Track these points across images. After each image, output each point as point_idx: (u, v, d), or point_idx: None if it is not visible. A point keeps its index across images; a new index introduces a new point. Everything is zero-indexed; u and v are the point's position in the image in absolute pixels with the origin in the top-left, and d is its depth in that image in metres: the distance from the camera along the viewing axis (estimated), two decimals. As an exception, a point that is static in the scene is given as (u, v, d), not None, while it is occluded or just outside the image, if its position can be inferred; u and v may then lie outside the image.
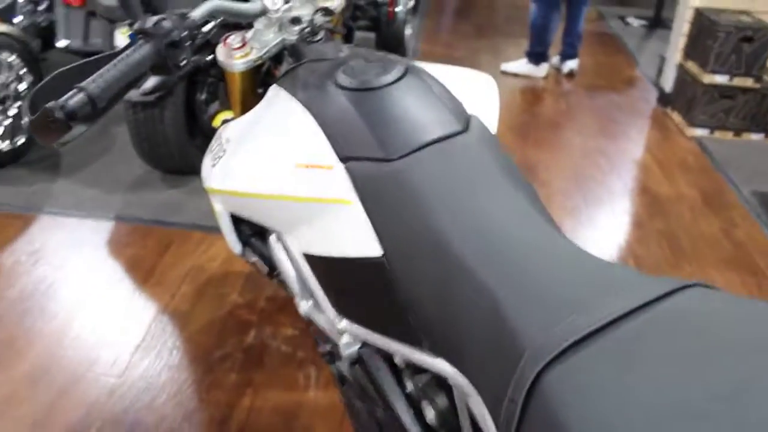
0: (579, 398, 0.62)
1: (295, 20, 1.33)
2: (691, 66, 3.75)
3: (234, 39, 1.31)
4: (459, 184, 0.91)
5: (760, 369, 0.60)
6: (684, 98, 3.83)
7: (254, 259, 1.43)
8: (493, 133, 1.07)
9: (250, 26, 1.36)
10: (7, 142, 3.17)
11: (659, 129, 3.84)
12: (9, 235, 2.68)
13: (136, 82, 1.10)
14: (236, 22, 1.31)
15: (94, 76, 0.97)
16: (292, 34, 1.32)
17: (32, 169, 3.19)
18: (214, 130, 1.39)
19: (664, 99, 4.11)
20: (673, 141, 3.69)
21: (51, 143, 0.98)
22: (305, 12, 1.34)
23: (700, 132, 3.74)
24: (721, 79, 3.58)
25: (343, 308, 1.09)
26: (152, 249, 2.61)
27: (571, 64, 4.55)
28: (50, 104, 0.91)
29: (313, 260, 1.10)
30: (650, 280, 0.74)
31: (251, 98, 1.38)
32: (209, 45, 1.37)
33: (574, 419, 0.61)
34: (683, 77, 3.86)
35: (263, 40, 1.33)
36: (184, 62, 1.15)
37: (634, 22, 5.93)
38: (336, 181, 1.00)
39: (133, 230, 2.73)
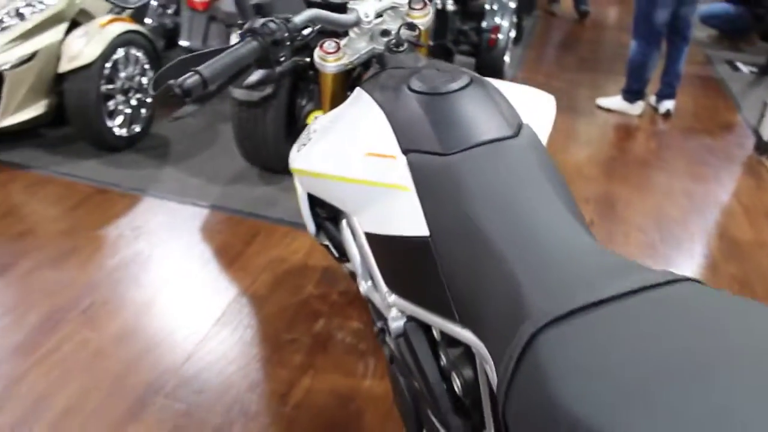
0: (565, 357, 0.72)
1: (385, 32, 1.49)
2: (792, 116, 3.68)
3: (329, 44, 1.48)
4: (500, 180, 1.03)
5: (730, 352, 0.68)
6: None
7: (326, 242, 1.59)
8: (543, 141, 1.18)
9: (345, 34, 1.53)
10: (125, 129, 3.50)
11: (751, 176, 3.78)
12: (116, 212, 2.96)
13: (242, 72, 1.29)
14: (333, 30, 1.48)
15: (208, 62, 1.16)
16: (380, 44, 1.48)
17: (144, 156, 3.50)
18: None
19: (761, 147, 4.03)
20: (764, 189, 3.62)
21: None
22: (394, 26, 1.49)
23: (795, 183, 3.65)
24: (822, 130, 3.49)
25: (393, 284, 1.22)
26: (241, 237, 2.82)
27: (668, 105, 4.52)
28: (171, 82, 1.10)
29: (372, 239, 1.24)
30: (652, 271, 0.83)
31: (340, 98, 1.54)
32: (308, 48, 1.56)
33: (558, 373, 0.71)
34: (784, 126, 3.79)
35: (355, 47, 1.49)
36: (284, 59, 1.33)
37: (744, 68, 5.80)
38: (397, 170, 1.14)
39: (226, 219, 2.96)
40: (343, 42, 1.50)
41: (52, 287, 2.45)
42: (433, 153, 1.11)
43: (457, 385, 1.10)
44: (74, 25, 3.38)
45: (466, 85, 1.19)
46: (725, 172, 3.82)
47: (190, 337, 2.25)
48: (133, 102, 3.53)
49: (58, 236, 2.76)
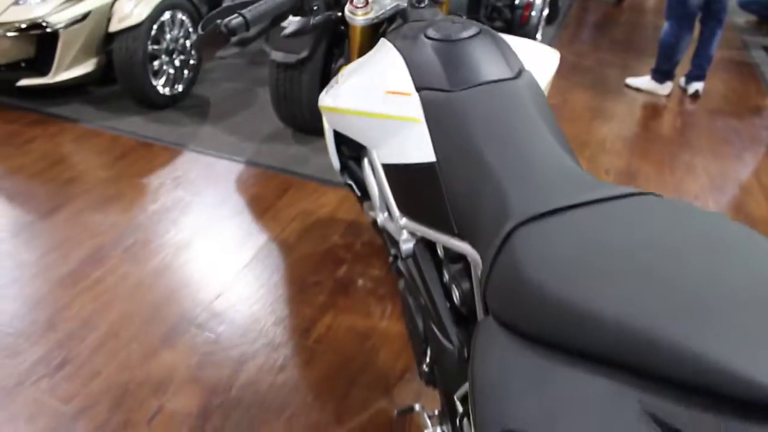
0: (536, 246, 0.87)
1: None
2: (818, 98, 3.72)
3: (359, 0, 1.63)
4: (498, 114, 1.17)
5: (679, 242, 0.82)
6: (806, 130, 3.80)
7: (350, 182, 1.75)
8: (542, 86, 1.32)
9: None
10: (168, 88, 3.69)
11: (774, 157, 3.83)
12: (158, 163, 3.16)
13: (280, 18, 1.46)
14: None
15: (251, 7, 1.33)
16: (404, 1, 1.62)
17: (185, 113, 3.69)
18: None
19: (787, 130, 4.08)
20: (786, 170, 3.68)
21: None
22: (417, -16, 1.63)
23: (817, 165, 3.70)
24: None
25: (404, 207, 1.38)
26: (273, 191, 3.00)
27: (697, 86, 4.57)
28: (218, 21, 1.27)
29: (388, 169, 1.39)
30: (622, 187, 0.97)
31: (367, 50, 1.69)
32: (339, 4, 1.71)
33: (529, 258, 0.86)
34: (809, 109, 3.83)
35: (382, 3, 1.64)
36: (317, 8, 1.49)
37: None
38: (411, 105, 1.29)
39: (260, 174, 3.14)
40: None
41: (98, 227, 2.65)
42: (442, 90, 1.25)
43: (456, 296, 1.26)
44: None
45: (475, 34, 1.33)
46: (748, 152, 3.88)
47: (222, 276, 2.43)
48: (177, 63, 3.71)
49: (104, 183, 2.97)
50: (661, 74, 4.53)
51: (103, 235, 2.61)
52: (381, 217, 1.57)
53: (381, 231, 1.95)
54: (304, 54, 3.10)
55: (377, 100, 1.37)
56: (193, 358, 2.06)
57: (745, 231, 0.83)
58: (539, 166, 1.07)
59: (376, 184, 1.55)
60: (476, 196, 1.11)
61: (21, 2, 3.28)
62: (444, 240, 1.24)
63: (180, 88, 3.77)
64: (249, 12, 1.33)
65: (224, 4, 1.47)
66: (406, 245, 1.41)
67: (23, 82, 3.43)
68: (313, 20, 1.63)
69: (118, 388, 1.94)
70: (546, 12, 4.96)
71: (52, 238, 2.57)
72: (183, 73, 3.79)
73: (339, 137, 1.70)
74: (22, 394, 1.90)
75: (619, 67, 5.15)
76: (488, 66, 1.27)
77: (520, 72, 1.30)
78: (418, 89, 1.29)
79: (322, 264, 2.54)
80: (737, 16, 7.01)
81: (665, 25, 4.41)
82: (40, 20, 3.29)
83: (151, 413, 1.87)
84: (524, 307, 0.84)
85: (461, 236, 1.17)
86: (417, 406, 1.53)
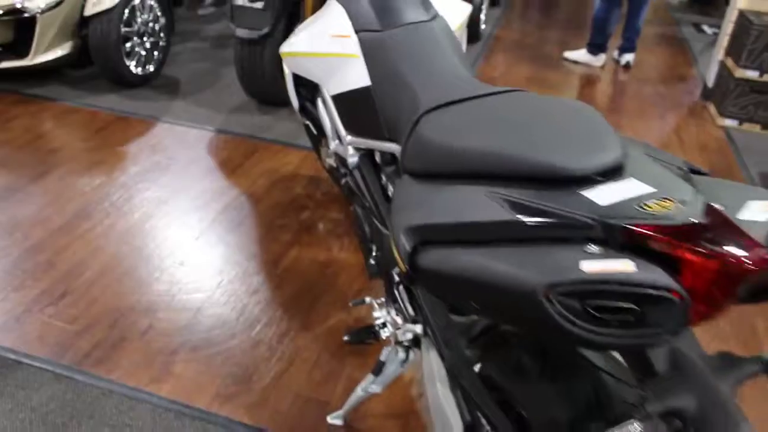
0: (434, 121, 1.24)
1: None
2: (729, 62, 4.17)
3: None
4: (416, 47, 1.54)
5: (534, 112, 1.19)
6: (720, 91, 4.25)
7: (307, 122, 2.11)
8: (453, 29, 1.69)
9: None
10: (140, 68, 3.99)
11: (693, 117, 4.27)
12: (135, 133, 3.47)
13: None
14: None
15: None
16: None
17: (157, 91, 3.99)
18: None
19: (705, 93, 4.53)
20: (702, 128, 4.12)
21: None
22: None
23: (729, 122, 4.14)
24: (752, 74, 3.98)
25: (349, 126, 1.74)
26: (241, 153, 3.33)
27: (628, 57, 5.00)
28: None
29: (336, 99, 1.75)
30: (500, 87, 1.34)
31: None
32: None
33: (428, 126, 1.22)
34: (722, 73, 4.28)
35: None
36: None
37: (709, 30, 6.26)
38: (351, 44, 1.64)
39: (229, 140, 3.47)
40: None
41: (84, 187, 2.96)
42: (374, 30, 1.61)
43: (390, 191, 1.62)
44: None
45: None
46: (671, 113, 4.31)
47: (199, 223, 2.76)
48: (148, 45, 4.02)
49: (86, 151, 3.27)
50: (595, 47, 4.95)
51: (90, 194, 2.92)
52: (333, 145, 1.93)
53: (334, 172, 2.31)
54: (265, 30, 3.43)
55: (325, 42, 1.73)
56: (176, 287, 2.39)
57: (574, 103, 1.20)
58: (444, 79, 1.44)
59: (328, 116, 1.91)
60: (399, 106, 1.47)
61: (0, -10, 3.55)
62: (378, 145, 1.60)
63: (151, 68, 4.07)
64: None
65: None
66: (352, 159, 1.77)
67: (3, 64, 3.70)
68: None
69: (114, 312, 2.27)
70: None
71: (44, 197, 2.87)
72: (153, 54, 4.09)
73: (297, 81, 2.05)
74: (31, 318, 2.21)
75: (559, 43, 5.57)
76: (410, 12, 1.64)
77: (435, 17, 1.67)
78: (356, 31, 1.65)
79: (287, 210, 2.88)
80: (672, -3, 7.50)
81: (597, 2, 4.83)
82: (19, 5, 3.56)
83: (144, 329, 2.20)
84: (424, 156, 1.20)
85: (390, 139, 1.53)
86: (367, 299, 1.89)
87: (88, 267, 2.47)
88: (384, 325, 1.69)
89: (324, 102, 1.93)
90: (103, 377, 2.00)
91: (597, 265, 0.82)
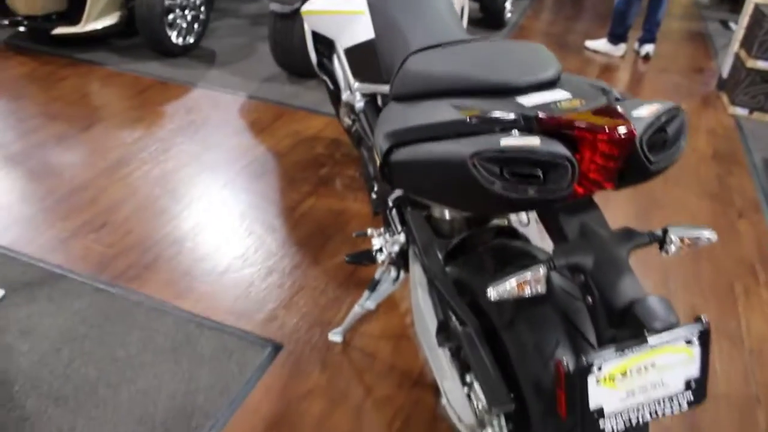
0: (417, 59, 1.48)
1: None
2: (742, 53, 4.32)
3: None
4: (413, 6, 1.78)
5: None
6: (732, 81, 4.40)
7: (324, 77, 2.36)
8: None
9: None
10: (181, 38, 4.29)
11: (705, 105, 4.42)
12: (173, 96, 3.76)
13: None
14: None
15: None
16: None
17: (195, 60, 4.29)
18: None
19: (720, 83, 4.67)
20: (712, 115, 4.28)
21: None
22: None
23: (740, 111, 4.29)
24: (762, 64, 4.12)
25: (357, 75, 1.98)
26: (269, 116, 3.60)
27: (648, 48, 5.16)
28: None
29: (347, 51, 2.00)
30: (477, 36, 1.57)
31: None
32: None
33: (413, 61, 1.47)
34: (736, 64, 4.43)
35: None
36: None
37: (734, 27, 6.35)
38: (359, 2, 1.89)
39: (259, 105, 3.74)
40: None
41: (126, 139, 3.26)
42: None
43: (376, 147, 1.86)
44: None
45: None
46: (685, 101, 4.47)
47: (227, 173, 3.04)
48: (189, 17, 4.31)
49: (128, 109, 3.57)
50: (615, 37, 5.11)
51: (130, 144, 3.22)
52: (345, 95, 2.18)
53: (350, 129, 2.57)
54: (297, 5, 3.69)
55: (338, 1, 1.98)
56: (204, 224, 2.67)
57: (532, 44, 1.43)
58: (434, 30, 1.68)
59: (341, 69, 2.16)
60: (395, 53, 1.72)
61: (58, -39, 3.88)
62: (380, 88, 1.85)
63: (191, 39, 4.37)
64: None
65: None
66: (359, 104, 2.02)
67: (58, 30, 4.02)
68: None
69: (146, 240, 2.55)
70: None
71: (90, 145, 3.18)
72: (193, 27, 4.39)
73: (315, 38, 2.30)
74: (75, 243, 2.51)
75: (582, 33, 5.74)
76: None
77: None
78: None
79: (308, 166, 3.15)
80: (702, -5, 7.59)
81: (618, -6, 5.00)
82: (74, -24, 3.89)
83: (172, 255, 2.48)
84: (406, 84, 1.45)
85: (388, 81, 1.78)
86: (369, 230, 2.13)
87: (125, 204, 2.76)
88: (380, 250, 1.93)
89: (338, 56, 2.18)
90: (135, 291, 2.28)
91: (512, 140, 1.06)
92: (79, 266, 2.38)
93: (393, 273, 1.96)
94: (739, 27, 4.50)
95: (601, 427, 1.03)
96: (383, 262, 1.91)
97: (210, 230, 2.63)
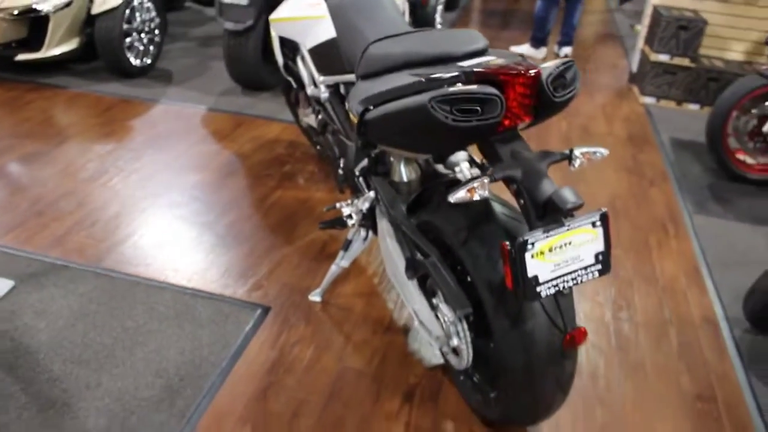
0: (375, 46, 1.86)
1: None
2: (646, 49, 4.88)
3: None
4: (367, 7, 2.17)
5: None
6: (641, 74, 4.95)
7: (289, 77, 2.72)
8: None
9: None
10: (139, 60, 4.58)
11: (618, 97, 4.96)
12: (138, 112, 4.05)
13: None
14: None
15: None
16: None
17: (154, 80, 4.59)
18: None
19: (631, 77, 5.23)
20: (625, 105, 4.81)
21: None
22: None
23: (649, 100, 4.84)
24: (664, 57, 4.68)
25: (322, 69, 2.35)
26: (230, 125, 3.93)
27: (566, 50, 5.70)
28: None
29: (311, 51, 2.37)
30: (422, 28, 1.97)
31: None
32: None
33: (371, 48, 1.85)
34: (642, 59, 4.99)
35: None
36: None
37: (639, 28, 6.98)
38: (321, 8, 2.27)
39: (219, 116, 4.06)
40: None
41: (99, 151, 3.54)
42: None
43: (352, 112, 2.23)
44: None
45: None
46: (601, 94, 5.00)
47: (199, 174, 3.35)
48: (145, 40, 4.61)
49: (97, 126, 3.85)
50: (537, 41, 5.64)
51: (105, 156, 3.50)
52: (310, 90, 2.55)
53: (309, 131, 2.94)
54: (249, 23, 4.04)
55: (302, 9, 2.36)
56: (189, 214, 2.98)
57: (466, 30, 1.84)
58: (385, 26, 2.08)
59: (305, 67, 2.53)
60: (355, 46, 2.10)
61: (18, -8, 4.14)
62: (343, 78, 2.22)
63: (148, 60, 4.66)
64: None
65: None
66: (324, 95, 2.39)
67: (21, 57, 4.26)
68: None
69: (136, 233, 2.84)
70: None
71: (66, 159, 3.44)
72: (149, 49, 4.68)
73: (282, 43, 2.67)
74: (70, 238, 2.78)
75: (506, 40, 6.26)
76: None
77: None
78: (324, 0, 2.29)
79: (271, 165, 3.49)
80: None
81: (537, 3, 5.52)
82: (35, 5, 4.15)
83: (162, 242, 2.78)
84: (370, 65, 1.84)
85: (350, 71, 2.15)
86: (337, 204, 2.49)
87: (110, 205, 3.05)
88: (350, 216, 2.29)
89: (302, 57, 2.55)
90: (132, 275, 2.58)
91: (457, 87, 1.45)
92: (77, 258, 2.66)
93: (362, 233, 2.32)
94: (643, 26, 5.07)
95: (538, 291, 1.42)
96: (353, 225, 2.27)
97: (191, 221, 2.94)
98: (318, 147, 3.46)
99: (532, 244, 1.40)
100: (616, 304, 2.61)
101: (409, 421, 2.02)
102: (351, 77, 2.17)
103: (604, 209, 1.48)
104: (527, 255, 1.40)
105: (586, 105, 4.73)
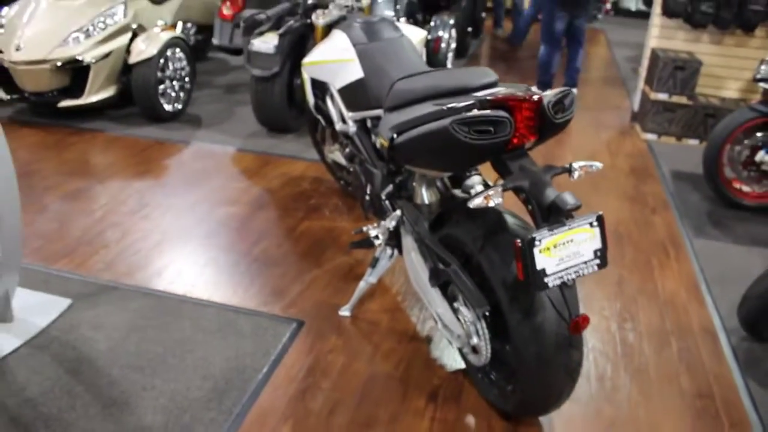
0: (401, 82, 2.16)
1: (346, 6, 2.96)
2: (646, 89, 5.18)
3: (320, 11, 2.95)
4: (391, 51, 2.48)
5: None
6: (642, 112, 5.24)
7: (318, 116, 3.03)
8: (414, 43, 2.64)
9: (326, 6, 3.00)
10: (171, 105, 4.93)
11: (622, 134, 5.25)
12: (172, 152, 4.37)
13: (279, 21, 2.80)
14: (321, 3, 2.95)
15: (267, 11, 2.66)
16: (343, 11, 2.95)
17: (185, 124, 4.93)
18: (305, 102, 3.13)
19: (633, 116, 5.52)
20: (628, 141, 5.09)
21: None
22: (350, 2, 2.97)
23: (650, 136, 5.12)
24: (663, 96, 4.97)
25: (350, 106, 2.65)
26: (258, 164, 4.23)
27: (571, 92, 6.01)
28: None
29: (341, 91, 2.67)
30: (442, 68, 2.27)
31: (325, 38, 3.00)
32: (307, 15, 3.05)
33: (397, 84, 2.15)
34: (643, 98, 5.28)
35: (332, 13, 2.96)
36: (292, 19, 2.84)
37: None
38: (350, 52, 2.58)
39: (247, 155, 4.37)
40: (326, 11, 2.97)
41: (139, 187, 3.84)
42: (363, 44, 2.55)
43: (378, 144, 2.51)
44: (134, 35, 4.84)
45: (381, 20, 2.65)
46: (605, 132, 5.29)
47: (233, 207, 3.63)
48: (176, 87, 4.96)
49: (135, 164, 4.16)
50: (542, 85, 5.96)
51: (144, 191, 3.79)
52: (339, 125, 2.84)
53: (334, 167, 3.23)
54: (275, 69, 4.38)
55: (333, 53, 2.67)
56: (227, 243, 3.25)
57: (479, 68, 2.13)
58: (408, 66, 2.38)
59: (334, 105, 2.83)
60: (381, 84, 2.40)
61: (63, 44, 4.50)
62: (370, 113, 2.51)
63: (179, 106, 5.00)
64: (262, 14, 2.65)
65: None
66: (352, 129, 2.68)
67: (63, 103, 4.61)
68: (288, 25, 2.96)
69: (179, 259, 3.10)
70: (453, 45, 6.39)
71: (109, 194, 3.74)
72: (180, 95, 5.03)
73: (313, 84, 2.97)
74: (118, 263, 3.04)
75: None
76: (386, 32, 2.59)
77: (402, 35, 2.62)
78: (353, 45, 2.59)
79: (298, 198, 3.77)
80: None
81: (541, 48, 5.87)
82: (78, 57, 4.51)
83: (204, 267, 3.04)
84: (397, 99, 2.12)
85: (377, 107, 2.44)
86: (364, 228, 2.74)
87: (153, 235, 3.32)
88: (377, 237, 2.55)
89: (331, 96, 2.85)
90: (178, 293, 2.83)
91: (474, 112, 1.73)
92: (127, 280, 2.92)
93: (388, 251, 2.58)
94: (642, 68, 5.39)
95: (546, 281, 1.66)
96: (380, 244, 2.53)
97: (228, 249, 3.21)
98: (342, 182, 3.75)
99: (540, 240, 1.66)
100: (621, 317, 2.84)
101: (434, 417, 2.24)
102: (377, 112, 2.45)
103: (599, 212, 1.74)
104: (536, 250, 1.66)
105: (592, 142, 5.01)
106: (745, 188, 3.92)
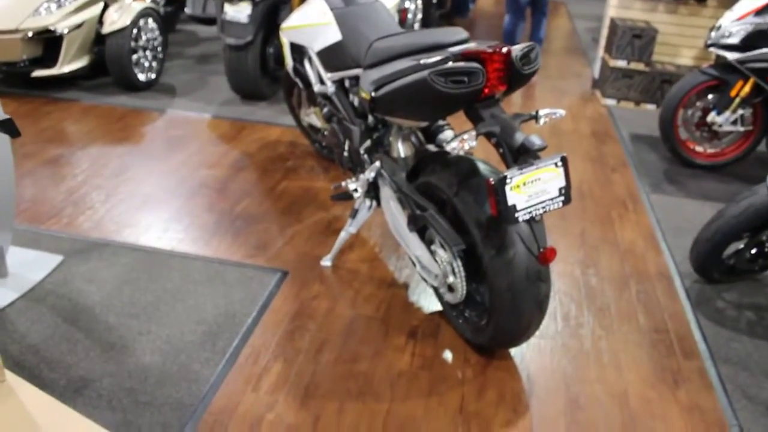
0: (378, 42, 2.31)
1: None
2: (606, 56, 5.40)
3: None
4: (367, 14, 2.62)
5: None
6: (602, 79, 5.47)
7: (296, 79, 3.16)
8: (388, 7, 2.79)
9: None
10: (144, 75, 4.99)
11: (583, 100, 5.47)
12: (149, 119, 4.45)
13: None
14: None
15: None
16: None
17: (159, 92, 4.99)
18: (277, 70, 3.24)
19: (594, 83, 5.75)
20: (588, 106, 5.31)
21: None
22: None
23: (610, 102, 5.35)
24: (621, 63, 5.19)
25: (328, 67, 2.79)
26: (233, 129, 4.34)
27: (534, 61, 6.21)
28: None
29: (320, 54, 2.80)
30: (415, 29, 2.43)
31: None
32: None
33: (374, 44, 2.30)
34: (603, 65, 5.50)
35: None
36: None
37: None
38: (328, 15, 2.71)
39: (223, 122, 4.48)
40: None
41: (119, 152, 3.93)
42: (341, 8, 2.69)
43: (356, 102, 2.66)
44: (105, 5, 4.88)
45: None
46: (567, 98, 5.50)
47: (210, 170, 3.75)
48: (149, 57, 5.02)
49: (115, 131, 4.24)
50: (507, 53, 6.13)
51: (125, 155, 3.89)
52: (317, 87, 2.98)
53: (309, 130, 3.37)
54: (248, 38, 4.48)
55: (311, 17, 2.80)
56: (211, 200, 3.37)
57: (452, 27, 2.29)
58: (383, 29, 2.52)
59: (312, 68, 2.96)
60: (359, 45, 2.54)
61: (35, 14, 4.53)
62: (348, 73, 2.66)
63: (152, 75, 5.07)
64: None
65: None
66: (331, 89, 2.82)
67: (37, 73, 4.64)
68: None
69: (166, 214, 3.23)
70: (420, 16, 6.53)
71: (92, 158, 3.82)
72: (153, 65, 5.09)
73: (291, 48, 3.10)
74: (106, 222, 3.15)
75: (481, 54, 6.77)
76: None
77: (376, 0, 2.76)
78: (330, 9, 2.73)
79: (276, 161, 3.90)
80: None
81: (505, 18, 6.04)
82: (51, 27, 4.55)
83: (190, 222, 3.17)
84: (375, 57, 2.27)
85: (355, 66, 2.59)
86: (343, 183, 2.90)
87: (137, 196, 3.43)
88: (356, 190, 2.71)
89: (310, 59, 2.99)
90: (166, 248, 2.96)
91: (449, 63, 1.90)
92: (115, 237, 3.04)
93: (367, 203, 2.74)
94: (602, 36, 5.60)
95: (516, 216, 1.85)
96: (359, 196, 2.69)
97: (211, 208, 3.34)
98: (317, 144, 3.89)
99: (511, 178, 1.84)
100: (585, 264, 3.05)
101: (414, 352, 2.43)
102: (355, 71, 2.60)
103: (563, 153, 1.93)
104: (507, 188, 1.84)
105: (555, 106, 5.21)
106: (698, 148, 4.16)
